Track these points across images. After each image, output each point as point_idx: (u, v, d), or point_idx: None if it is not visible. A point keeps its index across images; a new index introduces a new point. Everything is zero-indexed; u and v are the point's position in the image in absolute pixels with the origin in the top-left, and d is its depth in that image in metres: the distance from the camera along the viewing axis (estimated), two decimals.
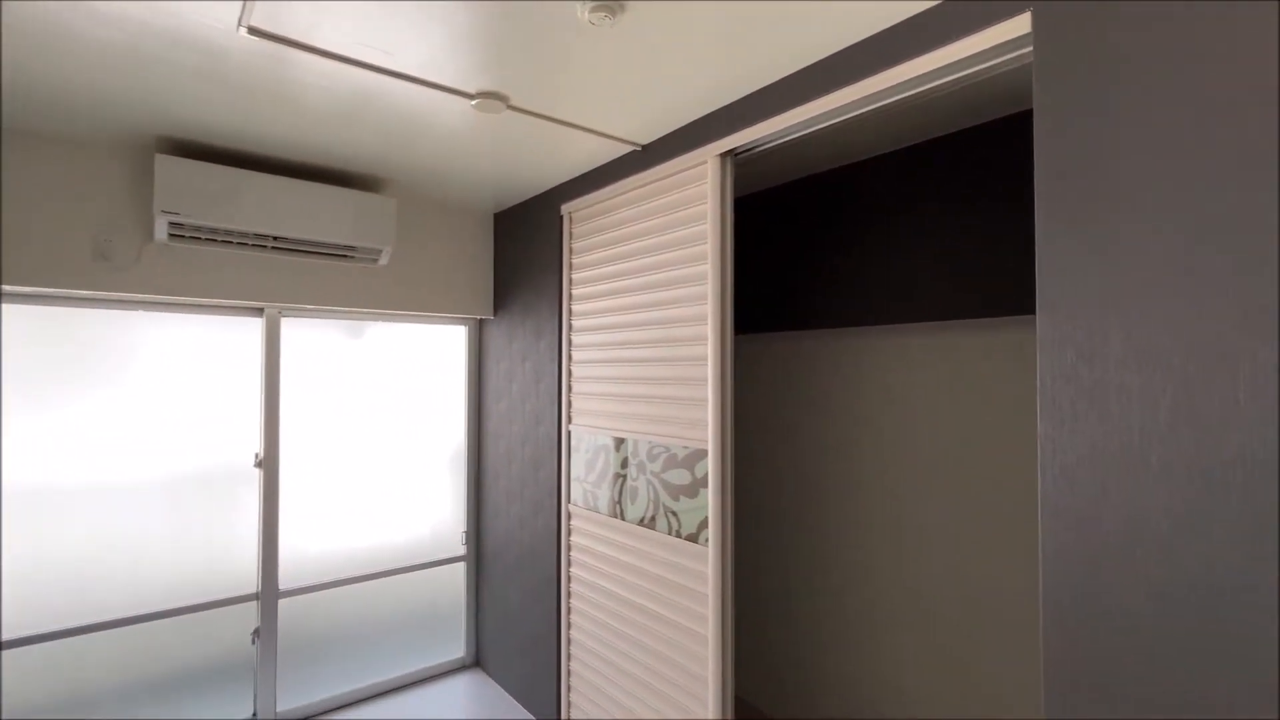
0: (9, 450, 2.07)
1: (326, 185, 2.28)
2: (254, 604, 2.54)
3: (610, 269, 2.27)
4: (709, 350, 1.86)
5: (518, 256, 2.83)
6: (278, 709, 2.57)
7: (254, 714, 2.53)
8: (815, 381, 2.51)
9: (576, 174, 2.42)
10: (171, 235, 2.05)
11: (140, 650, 2.32)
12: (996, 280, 1.97)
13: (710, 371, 1.85)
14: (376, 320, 2.85)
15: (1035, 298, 1.54)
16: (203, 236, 2.10)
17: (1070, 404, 1.10)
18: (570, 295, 2.48)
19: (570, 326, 2.47)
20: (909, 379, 2.20)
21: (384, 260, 2.53)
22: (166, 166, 1.97)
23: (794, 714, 2.56)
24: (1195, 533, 0.97)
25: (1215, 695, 0.95)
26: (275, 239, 2.22)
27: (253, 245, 2.21)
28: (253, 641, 2.53)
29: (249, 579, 2.53)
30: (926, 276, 2.14)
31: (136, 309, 2.29)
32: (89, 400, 2.22)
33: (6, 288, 1.98)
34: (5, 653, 2.06)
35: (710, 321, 1.85)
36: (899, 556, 2.22)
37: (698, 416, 1.91)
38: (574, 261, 2.46)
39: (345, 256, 2.43)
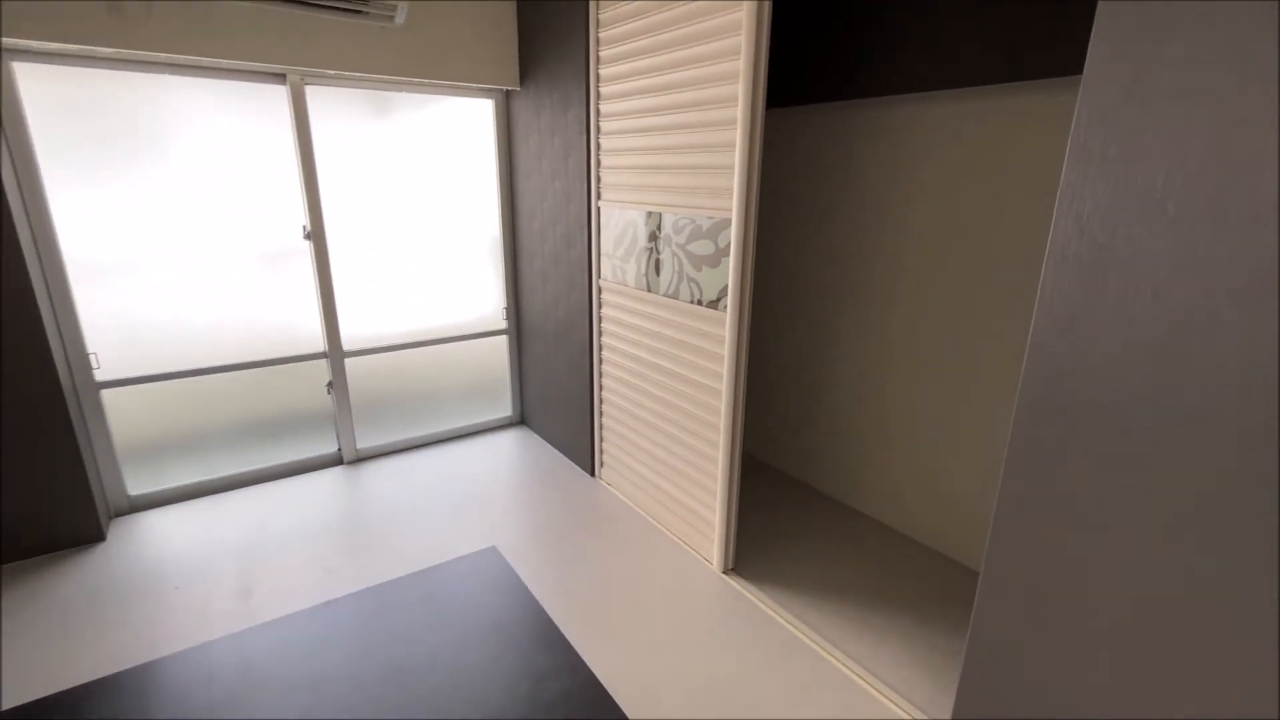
0: (73, 222, 2.24)
1: None
2: (324, 361, 2.87)
3: (639, 23, 2.09)
4: (739, 114, 1.78)
5: (542, 17, 2.61)
6: (357, 447, 3.04)
7: (338, 450, 3.01)
8: (847, 154, 2.40)
9: None
10: None
11: (237, 398, 2.71)
12: (1042, 40, 1.75)
13: (739, 137, 1.79)
14: (400, 89, 2.75)
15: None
16: None
17: (1101, 148, 1.06)
18: (598, 59, 2.32)
19: (598, 95, 2.36)
20: (934, 150, 2.09)
21: (400, 18, 2.37)
22: None
23: (792, 467, 2.91)
24: (1190, 277, 0.99)
25: (1179, 423, 1.05)
26: None
27: None
28: (328, 392, 2.91)
29: (317, 340, 2.83)
30: (968, 38, 1.91)
31: (163, 71, 2.26)
32: (138, 173, 2.31)
33: (20, 42, 1.98)
34: (106, 391, 2.44)
35: (743, 80, 1.75)
36: (909, 328, 2.31)
37: (723, 185, 1.90)
38: (601, 18, 2.26)
39: (359, 12, 2.29)
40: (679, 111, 2.00)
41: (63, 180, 2.19)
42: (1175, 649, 1.09)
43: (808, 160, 2.56)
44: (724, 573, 2.19)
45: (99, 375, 2.38)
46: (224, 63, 2.27)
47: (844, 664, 1.79)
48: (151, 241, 2.38)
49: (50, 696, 1.66)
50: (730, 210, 1.88)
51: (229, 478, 2.75)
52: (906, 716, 1.63)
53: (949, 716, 1.51)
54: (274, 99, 2.49)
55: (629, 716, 1.63)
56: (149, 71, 2.24)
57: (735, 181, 1.83)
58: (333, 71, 2.47)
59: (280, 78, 2.47)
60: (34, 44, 1.98)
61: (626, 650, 1.85)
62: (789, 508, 2.66)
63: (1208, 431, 1.01)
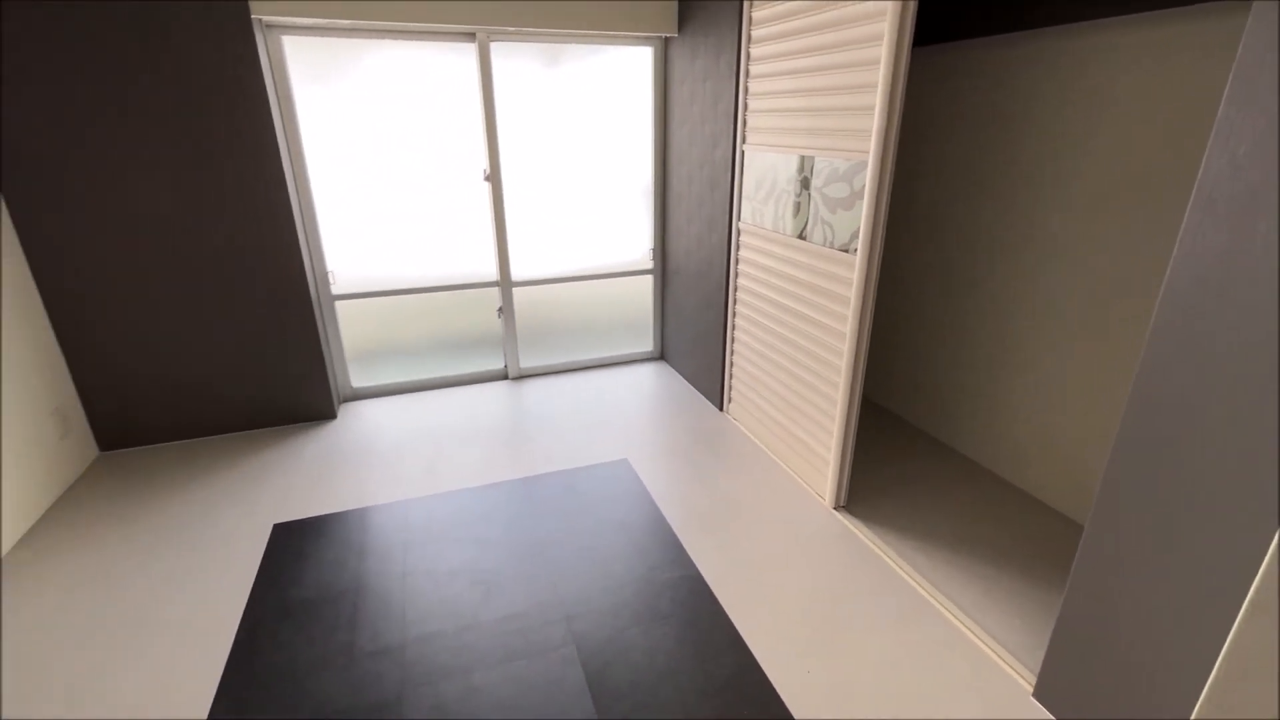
0: (318, 163, 2.80)
1: None
2: (496, 289, 3.32)
3: None
4: (883, 52, 1.76)
5: None
6: (520, 365, 3.51)
7: (504, 367, 3.50)
8: (999, 94, 2.21)
9: None
10: None
11: (428, 317, 3.26)
12: None
13: (881, 76, 1.78)
14: (570, 41, 3.00)
15: None
16: None
17: (1268, 78, 0.97)
18: (751, 1, 2.36)
19: (749, 39, 2.40)
20: (1099, 89, 1.86)
21: None
22: None
23: (912, 415, 2.84)
24: None
25: None
26: None
27: None
28: (499, 315, 3.37)
29: (491, 271, 3.28)
30: None
31: (384, 37, 2.71)
32: (360, 121, 2.82)
33: (284, 19, 2.49)
34: (339, 303, 3.06)
35: (889, 15, 1.72)
36: (1050, 282, 2.14)
37: (862, 127, 1.90)
38: None
39: None
40: (824, 53, 2.01)
41: (310, 129, 2.75)
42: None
43: (958, 101, 2.40)
44: (834, 508, 2.29)
45: (334, 290, 3.01)
46: (430, 26, 2.66)
47: (941, 604, 1.84)
48: (368, 181, 2.91)
49: (304, 519, 2.26)
50: (868, 153, 1.88)
51: (421, 381, 3.34)
52: (995, 656, 1.66)
53: (1039, 667, 1.53)
54: (465, 54, 2.87)
55: (725, 610, 1.84)
56: (373, 37, 2.70)
57: (874, 123, 1.83)
58: (513, 28, 2.77)
59: (470, 36, 2.83)
60: (298, 20, 2.48)
61: (732, 560, 2.05)
62: (906, 454, 2.65)
63: None
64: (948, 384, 2.69)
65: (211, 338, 2.70)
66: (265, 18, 2.42)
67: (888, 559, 2.03)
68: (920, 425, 2.87)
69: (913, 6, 1.70)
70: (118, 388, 2.64)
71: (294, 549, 2.11)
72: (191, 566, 2.03)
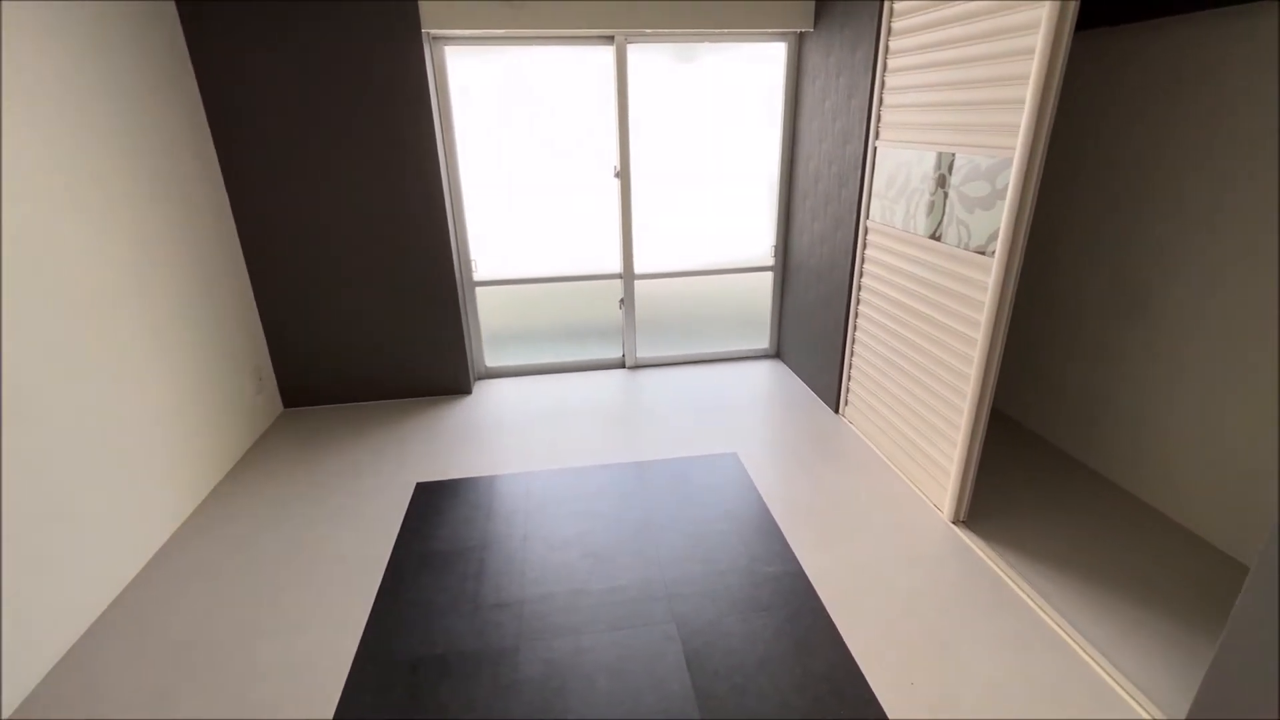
0: (466, 161, 3.08)
1: None
2: (619, 281, 3.47)
3: None
4: (1039, 40, 1.65)
5: None
6: (638, 355, 3.64)
7: (623, 356, 3.65)
8: (1185, 83, 1.96)
9: None
10: None
11: (555, 305, 3.48)
12: None
13: (1036, 67, 1.67)
14: (705, 40, 3.05)
15: None
16: None
17: None
18: None
19: (889, 31, 2.33)
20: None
21: None
22: None
23: (1049, 431, 2.61)
24: None
25: None
26: None
27: None
28: (620, 307, 3.52)
29: (615, 263, 3.43)
30: None
31: (531, 43, 2.93)
32: (502, 121, 3.06)
33: (449, 31, 2.76)
34: (479, 289, 3.34)
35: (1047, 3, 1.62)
36: (1227, 300, 1.87)
37: (1009, 122, 1.79)
38: None
39: None
40: (972, 42, 1.91)
41: (460, 127, 3.03)
42: None
43: (1128, 91, 2.16)
44: (953, 522, 2.18)
45: (476, 276, 3.30)
46: (575, 31, 2.84)
47: (1067, 633, 1.71)
48: (507, 176, 3.16)
49: (442, 480, 2.54)
50: (1014, 149, 1.78)
51: (545, 364, 3.58)
52: (1127, 697, 1.52)
53: (1184, 716, 1.38)
54: (601, 54, 3.02)
55: (827, 609, 1.84)
56: (521, 44, 2.92)
57: (1024, 117, 1.72)
58: (651, 30, 2.87)
59: (609, 39, 2.97)
60: (460, 32, 2.75)
61: (837, 561, 2.04)
62: (1040, 473, 2.46)
63: None
64: (1098, 402, 2.44)
65: (375, 316, 3.08)
66: (433, 31, 2.70)
67: (1009, 580, 1.92)
68: (1060, 444, 2.64)
69: None
70: (300, 354, 3.09)
71: (432, 505, 2.37)
72: (352, 511, 2.35)
